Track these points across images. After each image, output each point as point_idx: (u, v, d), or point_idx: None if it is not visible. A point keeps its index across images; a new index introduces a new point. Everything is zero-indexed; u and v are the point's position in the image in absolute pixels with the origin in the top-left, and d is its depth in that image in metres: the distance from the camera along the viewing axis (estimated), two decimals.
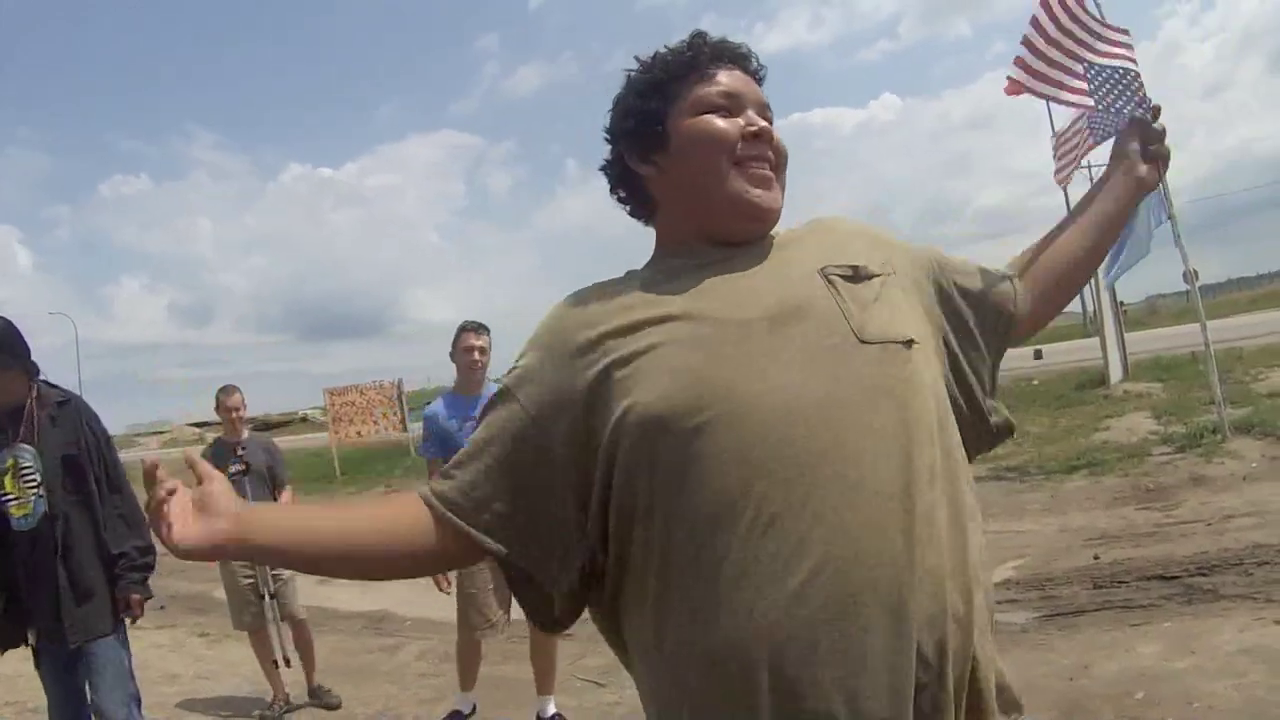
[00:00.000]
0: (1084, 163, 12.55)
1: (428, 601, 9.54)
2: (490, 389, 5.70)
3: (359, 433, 23.28)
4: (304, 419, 52.50)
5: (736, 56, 1.72)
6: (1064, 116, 12.39)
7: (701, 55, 1.69)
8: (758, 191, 1.65)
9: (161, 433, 63.29)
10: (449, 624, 8.50)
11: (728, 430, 1.42)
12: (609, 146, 1.79)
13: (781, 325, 1.52)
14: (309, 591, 10.57)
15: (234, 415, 6.80)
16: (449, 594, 5.74)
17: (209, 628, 9.10)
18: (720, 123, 1.65)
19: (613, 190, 1.82)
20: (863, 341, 1.52)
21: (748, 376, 1.46)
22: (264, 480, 6.71)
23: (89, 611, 4.17)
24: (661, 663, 1.48)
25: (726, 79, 1.68)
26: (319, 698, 6.55)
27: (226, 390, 6.85)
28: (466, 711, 5.83)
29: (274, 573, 6.53)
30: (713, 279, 1.61)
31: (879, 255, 1.69)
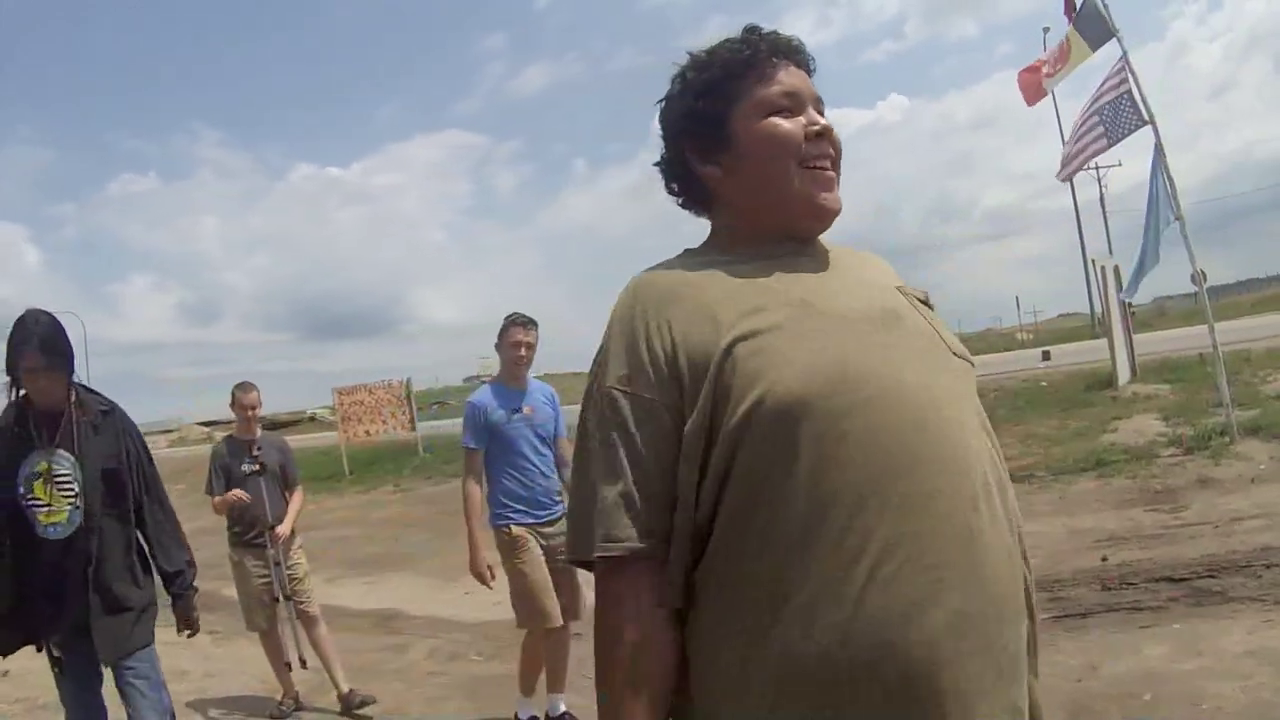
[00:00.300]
0: (1090, 165, 12.60)
1: (436, 600, 9.61)
2: (534, 385, 5.76)
3: (367, 432, 23.25)
4: (312, 418, 52.43)
5: (791, 51, 1.72)
6: (1068, 121, 12.41)
7: (759, 53, 1.69)
8: (825, 194, 1.68)
9: (169, 431, 63.26)
10: (457, 623, 8.57)
11: (877, 412, 1.46)
12: (663, 143, 1.79)
13: (890, 325, 1.59)
14: (316, 590, 10.61)
15: (250, 413, 6.73)
16: (493, 589, 5.63)
17: (217, 625, 9.06)
18: (786, 125, 1.66)
19: (668, 185, 1.81)
20: (953, 354, 1.64)
21: (886, 364, 1.51)
22: (277, 479, 6.64)
23: (120, 625, 4.07)
24: (769, 645, 1.44)
25: (786, 77, 1.69)
26: (350, 706, 6.30)
27: (244, 387, 6.77)
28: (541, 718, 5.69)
29: (289, 572, 6.50)
30: (797, 274, 1.64)
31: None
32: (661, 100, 1.78)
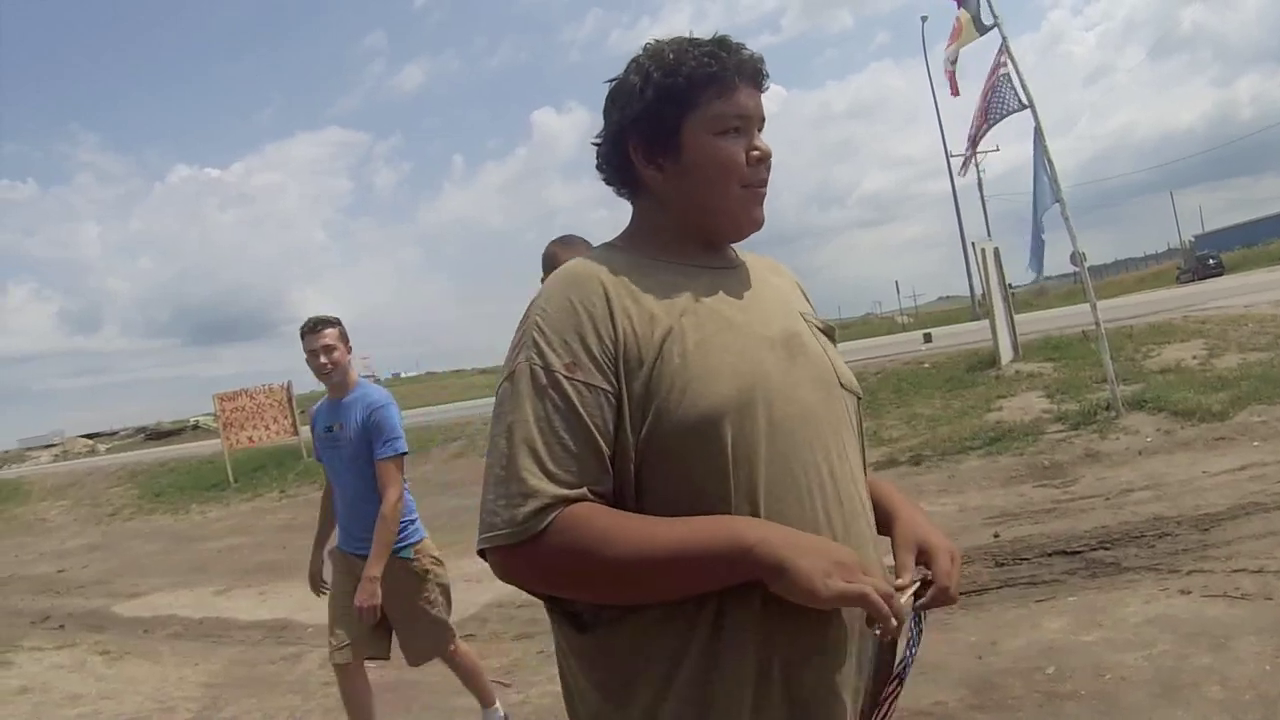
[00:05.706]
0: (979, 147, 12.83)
1: (326, 607, 9.39)
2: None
3: (250, 438, 22.88)
4: (196, 426, 51.66)
5: (755, 74, 1.76)
6: (947, 107, 12.67)
7: (726, 69, 1.71)
8: (755, 211, 1.77)
9: (52, 445, 61.74)
10: None
11: (774, 437, 1.58)
12: (606, 124, 1.80)
13: (794, 352, 1.71)
14: (206, 603, 10.34)
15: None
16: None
17: (109, 645, 8.83)
18: (735, 148, 1.72)
19: (600, 166, 1.84)
20: (841, 385, 1.78)
21: (787, 391, 1.64)
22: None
23: None
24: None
25: (742, 99, 1.73)
26: None
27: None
28: None
29: None
30: (721, 286, 1.74)
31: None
32: (613, 80, 1.79)
